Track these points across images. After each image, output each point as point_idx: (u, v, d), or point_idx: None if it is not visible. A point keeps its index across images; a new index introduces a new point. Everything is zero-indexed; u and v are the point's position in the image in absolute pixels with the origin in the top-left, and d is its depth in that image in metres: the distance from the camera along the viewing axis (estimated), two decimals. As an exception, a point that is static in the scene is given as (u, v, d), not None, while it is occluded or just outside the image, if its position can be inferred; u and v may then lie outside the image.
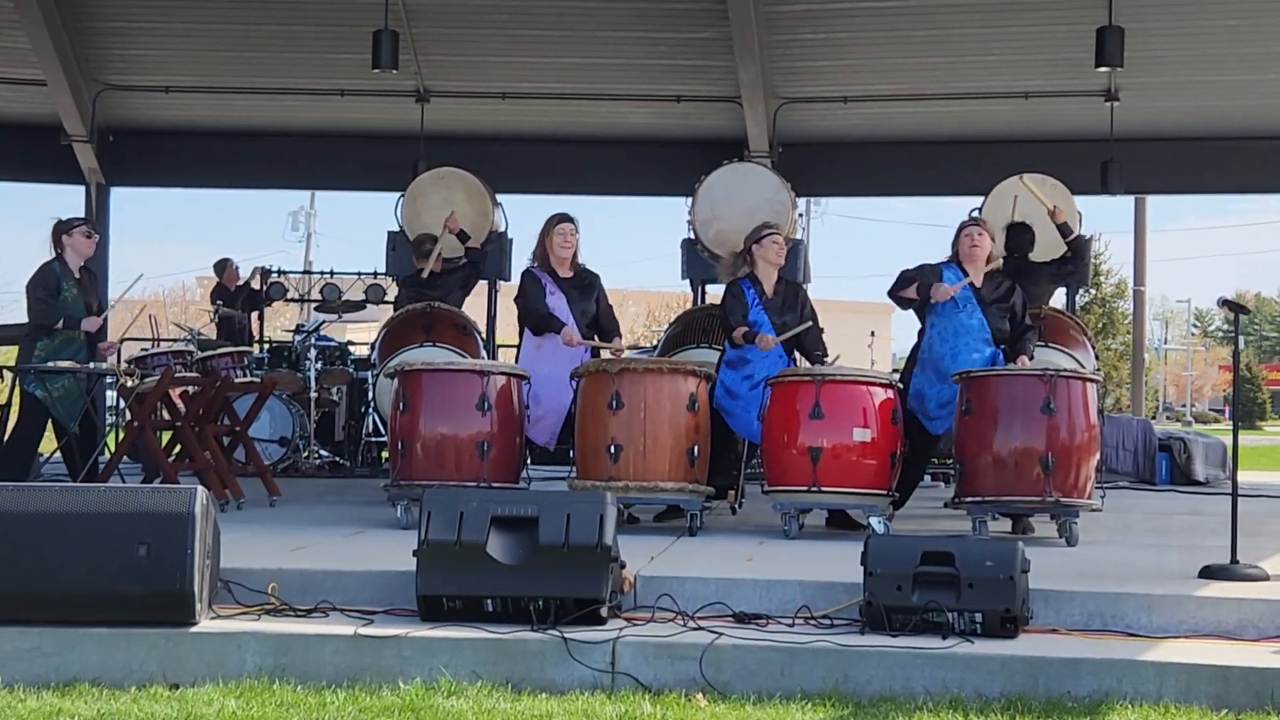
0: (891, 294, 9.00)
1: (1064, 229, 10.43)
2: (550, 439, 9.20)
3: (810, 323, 9.05)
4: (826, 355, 9.08)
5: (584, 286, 9.41)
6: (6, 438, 10.14)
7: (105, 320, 9.95)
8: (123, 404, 10.34)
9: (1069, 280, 11.23)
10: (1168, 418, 58.50)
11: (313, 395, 13.04)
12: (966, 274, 8.83)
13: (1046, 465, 8.01)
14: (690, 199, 12.01)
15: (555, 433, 9.18)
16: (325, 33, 14.67)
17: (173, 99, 15.51)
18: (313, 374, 13.04)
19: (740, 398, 8.86)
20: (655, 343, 12.58)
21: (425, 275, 11.43)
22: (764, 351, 8.77)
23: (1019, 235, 10.57)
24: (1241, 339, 7.25)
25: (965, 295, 8.78)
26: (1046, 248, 10.81)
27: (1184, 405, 67.78)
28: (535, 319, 9.26)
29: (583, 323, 9.33)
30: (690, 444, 8.35)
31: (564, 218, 9.40)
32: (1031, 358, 8.77)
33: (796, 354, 9.20)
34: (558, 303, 9.28)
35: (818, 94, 15.08)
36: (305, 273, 17.15)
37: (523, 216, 21.53)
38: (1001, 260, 9.38)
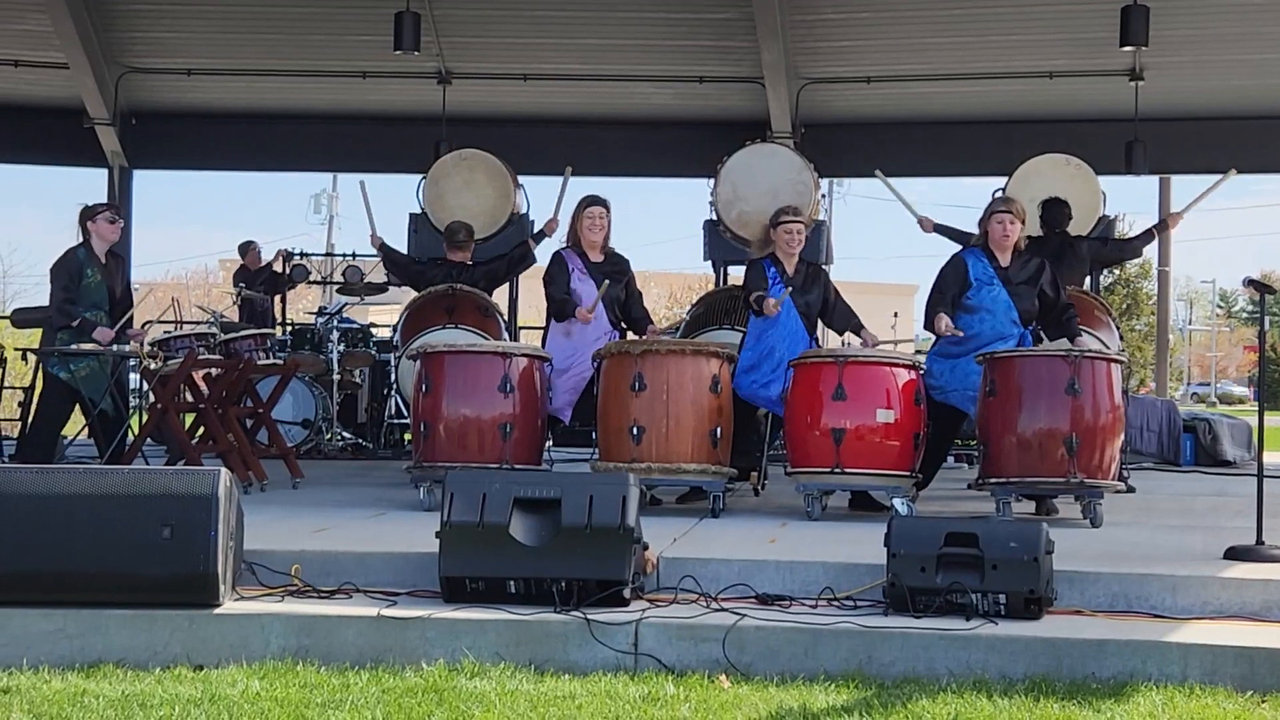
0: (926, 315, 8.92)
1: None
2: (565, 408, 9.16)
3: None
4: (860, 327, 9.06)
5: (613, 273, 9.39)
6: (31, 420, 10.17)
7: (130, 305, 9.94)
8: (146, 386, 10.34)
9: (1111, 264, 11.16)
10: (1192, 399, 58.33)
11: (335, 377, 13.06)
12: (995, 259, 8.77)
13: (1071, 446, 7.98)
14: (712, 180, 11.98)
15: (571, 403, 9.16)
16: (347, 14, 14.67)
17: (195, 81, 15.53)
18: (335, 356, 13.06)
19: (758, 372, 8.84)
20: (677, 324, 12.55)
21: (450, 258, 11.36)
22: (769, 315, 8.69)
23: (1056, 210, 10.47)
24: (1267, 319, 7.21)
25: (989, 275, 8.73)
26: (1075, 228, 10.76)
27: (1208, 386, 67.53)
28: (556, 305, 9.24)
29: (611, 309, 9.32)
30: (713, 425, 8.34)
31: (594, 200, 9.38)
32: (1077, 338, 8.69)
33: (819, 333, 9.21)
34: (586, 287, 9.26)
35: (840, 74, 15.03)
36: (327, 255, 17.19)
37: (545, 199, 21.50)
38: (1028, 238, 9.32)
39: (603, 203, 9.39)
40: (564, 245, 9.43)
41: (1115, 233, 13.19)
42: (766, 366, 8.78)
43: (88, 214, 9.71)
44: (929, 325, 8.76)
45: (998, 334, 8.66)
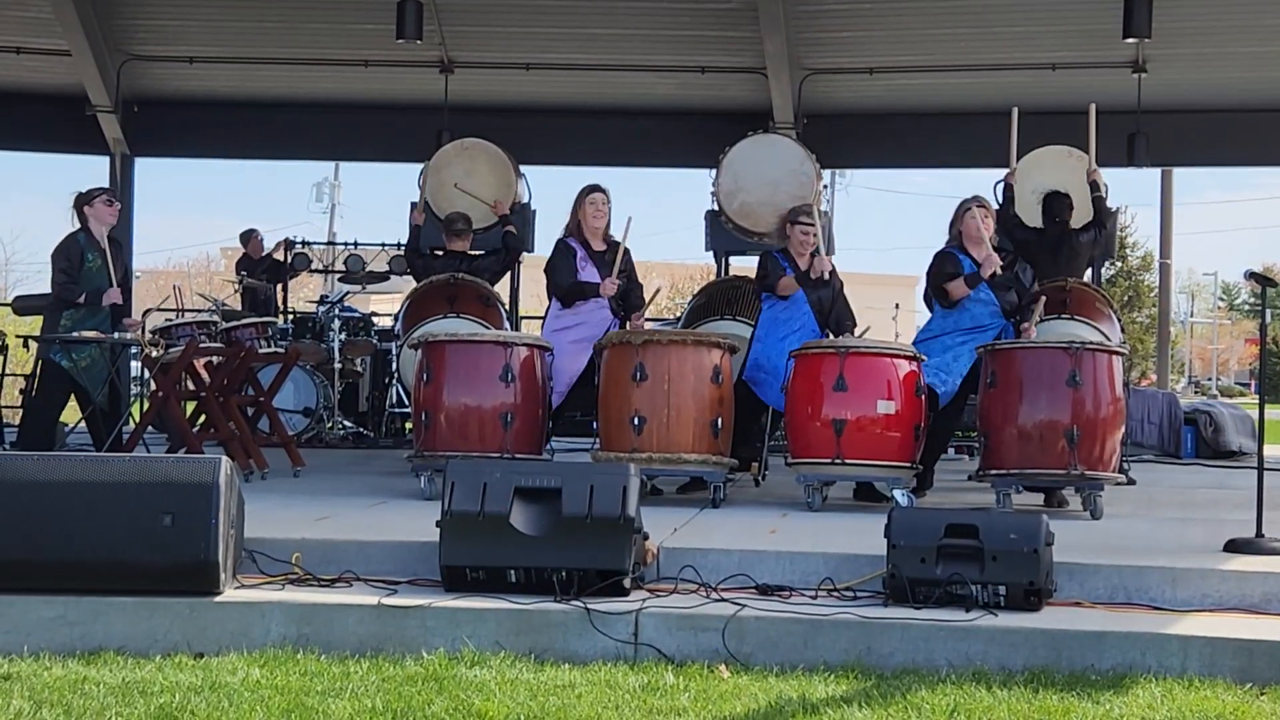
0: (934, 289, 9.01)
1: (1094, 186, 10.48)
2: (557, 398, 9.16)
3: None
4: (855, 325, 9.12)
5: (615, 260, 9.40)
6: (31, 407, 10.17)
7: (130, 291, 9.94)
8: (147, 374, 10.35)
9: (1096, 246, 11.14)
10: (1194, 391, 58.28)
11: (336, 366, 13.06)
12: (971, 257, 8.86)
13: (1071, 438, 7.99)
14: (714, 170, 11.96)
15: (563, 394, 9.16)
16: (349, 3, 14.65)
17: (197, 69, 15.51)
18: (337, 345, 13.06)
19: (773, 369, 8.88)
20: (679, 315, 12.56)
21: (449, 247, 11.40)
22: (822, 270, 8.83)
23: (1058, 202, 10.55)
24: (1268, 312, 7.21)
25: (970, 269, 8.82)
26: (1075, 220, 10.77)
27: (1210, 379, 67.52)
28: (565, 291, 9.25)
29: (613, 297, 9.32)
30: (714, 416, 8.34)
31: (596, 188, 9.42)
32: (1032, 325, 8.79)
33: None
34: (590, 273, 9.30)
35: (843, 65, 15.01)
36: (329, 244, 17.15)
37: (546, 188, 21.54)
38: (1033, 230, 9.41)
39: (604, 190, 9.44)
40: (565, 235, 9.44)
41: (1118, 224, 13.17)
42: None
43: (84, 199, 9.69)
44: (948, 299, 8.84)
45: (977, 324, 8.74)
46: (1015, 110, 10.02)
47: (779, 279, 8.96)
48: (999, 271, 8.75)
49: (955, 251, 8.96)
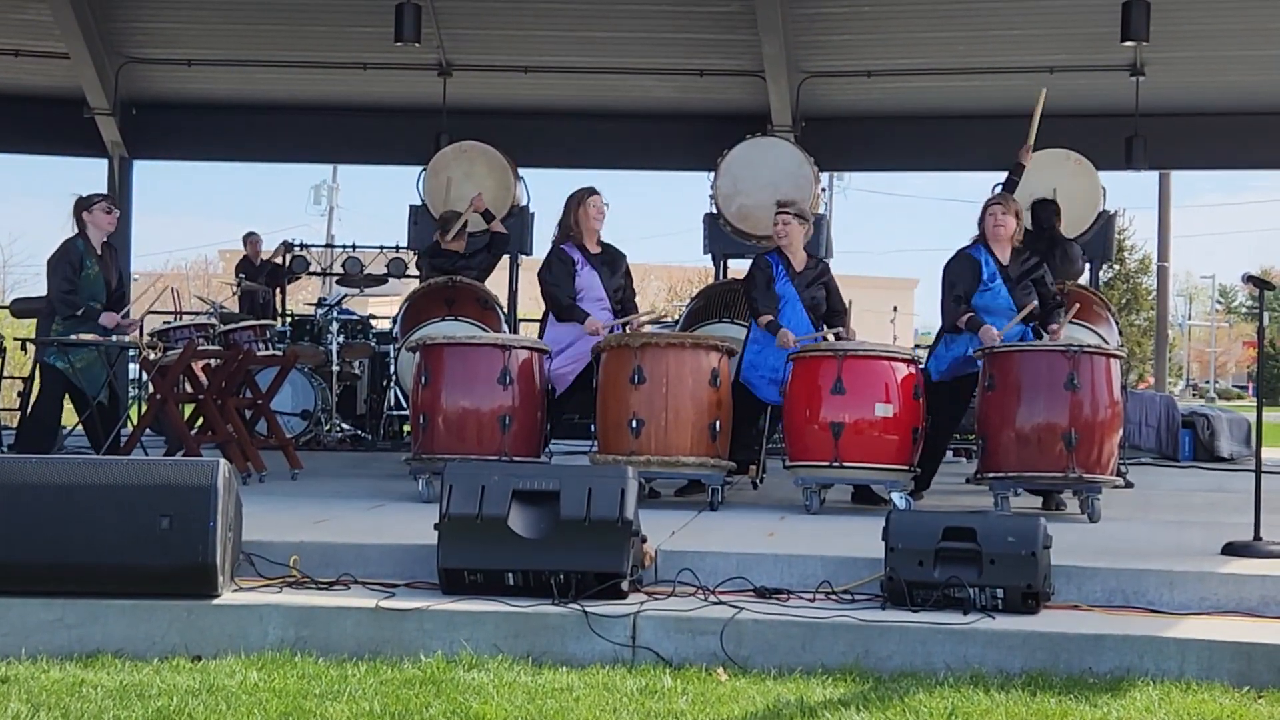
0: (946, 316, 8.96)
1: (1016, 168, 10.38)
2: (563, 378, 9.12)
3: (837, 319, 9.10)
4: (847, 311, 9.13)
5: (614, 261, 9.38)
6: (29, 411, 10.15)
7: (125, 297, 9.93)
8: (145, 377, 10.35)
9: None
10: (1192, 394, 58.33)
11: (335, 369, 13.07)
12: (994, 254, 8.82)
13: (1069, 441, 7.99)
14: (713, 173, 11.98)
15: (572, 372, 9.12)
16: (348, 6, 14.66)
17: (195, 72, 15.51)
18: (335, 347, 13.07)
19: (763, 371, 8.87)
20: (677, 318, 12.56)
21: (444, 246, 11.46)
22: (782, 347, 8.70)
23: (1044, 210, 10.58)
24: (1266, 315, 7.23)
25: (991, 272, 8.78)
26: (1074, 224, 10.78)
27: (1208, 381, 67.54)
28: (559, 309, 9.17)
29: (615, 298, 9.29)
30: (712, 419, 8.34)
31: (594, 190, 9.35)
32: (1061, 327, 8.78)
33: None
34: (590, 278, 9.19)
35: (841, 68, 15.02)
36: (327, 246, 17.17)
37: (545, 191, 21.53)
38: (1024, 235, 9.38)
39: (599, 193, 9.40)
40: (559, 240, 9.34)
41: (1116, 227, 13.19)
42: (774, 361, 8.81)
43: (83, 205, 9.66)
44: (952, 325, 8.77)
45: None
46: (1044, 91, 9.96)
47: (774, 329, 8.82)
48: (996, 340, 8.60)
49: (977, 255, 8.88)
